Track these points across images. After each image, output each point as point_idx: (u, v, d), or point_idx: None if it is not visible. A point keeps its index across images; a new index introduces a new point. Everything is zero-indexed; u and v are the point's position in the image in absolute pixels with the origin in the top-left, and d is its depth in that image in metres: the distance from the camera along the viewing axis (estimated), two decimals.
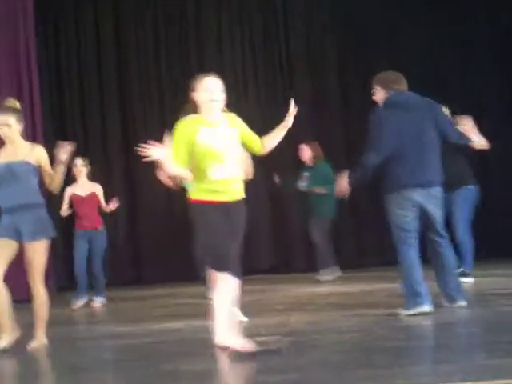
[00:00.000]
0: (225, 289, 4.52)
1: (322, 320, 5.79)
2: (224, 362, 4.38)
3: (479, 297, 6.59)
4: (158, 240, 10.98)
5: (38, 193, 5.40)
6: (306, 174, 9.39)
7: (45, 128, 9.85)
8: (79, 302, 8.19)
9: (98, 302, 8.21)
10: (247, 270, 6.62)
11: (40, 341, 5.23)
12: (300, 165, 9.93)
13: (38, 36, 9.98)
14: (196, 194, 4.66)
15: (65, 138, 10.35)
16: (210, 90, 4.67)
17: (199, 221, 4.64)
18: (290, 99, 4.87)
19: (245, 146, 4.81)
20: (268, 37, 11.60)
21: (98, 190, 8.42)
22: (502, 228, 10.70)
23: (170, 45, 11.46)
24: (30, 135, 9.16)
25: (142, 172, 10.76)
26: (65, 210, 8.27)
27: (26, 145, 5.44)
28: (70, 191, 8.27)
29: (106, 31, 11.37)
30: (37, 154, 5.37)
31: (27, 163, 5.31)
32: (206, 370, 4.17)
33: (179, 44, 11.45)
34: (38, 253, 5.24)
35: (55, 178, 5.39)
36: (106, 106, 11.33)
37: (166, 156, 4.53)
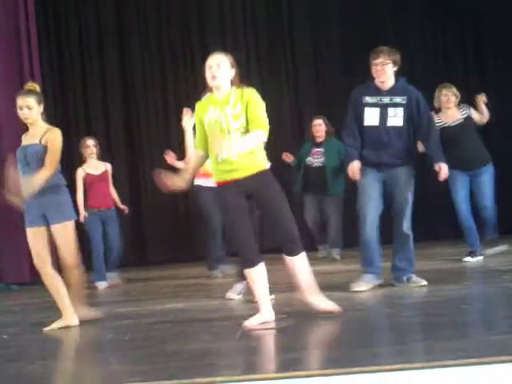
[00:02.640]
0: (256, 277, 4.64)
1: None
2: (229, 341, 4.37)
3: (485, 274, 6.61)
4: (161, 221, 11.01)
5: (56, 174, 5.34)
6: (318, 149, 9.25)
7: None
8: (103, 283, 8.04)
9: (115, 279, 8.21)
10: None
11: (92, 313, 5.50)
12: (300, 142, 9.90)
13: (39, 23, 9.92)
14: (214, 175, 4.70)
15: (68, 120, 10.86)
16: (209, 66, 4.64)
17: (224, 207, 4.69)
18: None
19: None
20: (272, 26, 11.51)
21: (109, 168, 8.47)
22: None
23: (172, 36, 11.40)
24: None
25: (147, 155, 10.87)
26: (81, 193, 8.18)
27: (44, 127, 5.39)
28: (81, 172, 8.25)
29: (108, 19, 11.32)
30: (47, 137, 5.31)
31: (38, 145, 5.29)
32: (210, 348, 4.16)
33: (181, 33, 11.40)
34: (63, 235, 5.27)
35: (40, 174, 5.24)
36: (108, 90, 11.32)
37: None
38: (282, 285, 5.94)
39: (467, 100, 7.96)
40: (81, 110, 11.22)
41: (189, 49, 11.31)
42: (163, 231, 10.99)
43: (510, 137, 10.55)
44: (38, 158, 5.27)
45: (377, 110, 5.87)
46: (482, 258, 7.49)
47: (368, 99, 5.91)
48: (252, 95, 4.65)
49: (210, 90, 4.77)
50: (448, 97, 7.62)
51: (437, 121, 7.34)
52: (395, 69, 5.93)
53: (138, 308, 6.15)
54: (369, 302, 5.47)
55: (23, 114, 5.35)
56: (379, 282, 5.94)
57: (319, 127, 9.30)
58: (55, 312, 5.40)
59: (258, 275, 4.64)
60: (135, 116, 11.28)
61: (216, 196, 5.43)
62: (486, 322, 4.39)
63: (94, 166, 8.37)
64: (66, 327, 5.23)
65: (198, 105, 4.82)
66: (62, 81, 11.17)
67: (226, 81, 4.66)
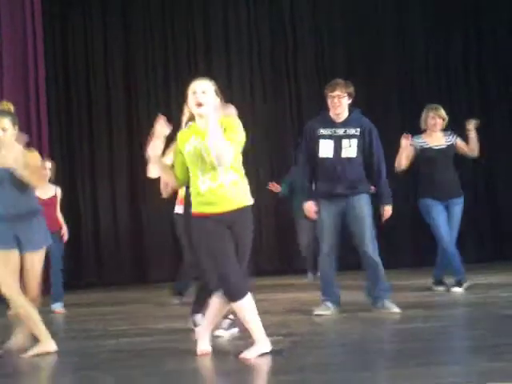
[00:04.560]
0: (249, 306, 4.36)
1: (322, 321, 5.79)
2: (225, 363, 4.38)
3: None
4: (159, 239, 10.99)
5: (33, 198, 5.14)
6: None
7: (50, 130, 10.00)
8: (59, 306, 7.85)
9: (59, 308, 7.84)
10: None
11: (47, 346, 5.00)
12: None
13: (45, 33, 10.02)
14: (193, 207, 4.45)
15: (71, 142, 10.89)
16: (193, 92, 4.41)
17: (200, 240, 4.43)
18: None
19: None
20: (276, 43, 11.61)
21: (58, 192, 8.05)
22: None
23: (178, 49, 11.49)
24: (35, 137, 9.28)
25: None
26: None
27: (18, 149, 5.03)
28: None
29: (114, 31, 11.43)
30: (25, 160, 4.94)
31: (13, 169, 4.90)
32: (206, 369, 4.17)
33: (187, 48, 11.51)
34: (35, 263, 5.05)
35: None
36: (113, 105, 11.38)
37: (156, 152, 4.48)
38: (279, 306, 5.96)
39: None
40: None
41: (194, 63, 11.36)
42: (162, 249, 10.98)
43: None
44: (10, 179, 4.95)
45: (331, 142, 5.99)
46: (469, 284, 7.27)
47: (322, 131, 6.02)
48: (229, 122, 4.42)
49: (192, 119, 4.56)
50: (435, 120, 7.39)
51: (420, 141, 7.34)
52: (350, 101, 6.06)
53: (134, 327, 6.16)
54: (362, 327, 5.49)
55: None
56: (338, 308, 6.09)
57: None
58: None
59: (250, 304, 4.38)
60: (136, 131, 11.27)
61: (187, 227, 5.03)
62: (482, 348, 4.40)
63: (44, 189, 7.70)
64: (45, 353, 4.93)
65: (180, 134, 4.56)
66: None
67: (210, 108, 4.36)
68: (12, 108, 5.29)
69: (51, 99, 10.47)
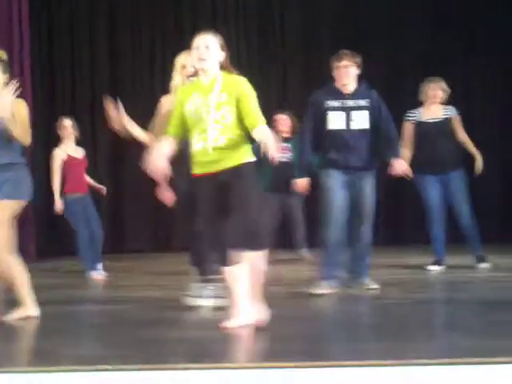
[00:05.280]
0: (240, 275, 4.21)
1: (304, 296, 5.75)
2: (207, 330, 4.34)
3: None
4: (143, 210, 10.94)
5: (14, 151, 4.83)
6: (286, 145, 8.64)
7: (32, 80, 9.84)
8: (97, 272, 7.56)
9: (100, 272, 7.59)
10: None
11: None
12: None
13: None
14: (193, 167, 4.39)
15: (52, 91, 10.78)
16: (196, 47, 4.31)
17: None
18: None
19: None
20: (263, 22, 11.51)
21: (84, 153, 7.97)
22: None
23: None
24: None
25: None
26: (58, 176, 7.56)
27: (8, 98, 4.66)
28: (60, 153, 7.66)
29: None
30: (13, 109, 4.68)
31: (1, 118, 4.68)
32: (187, 337, 4.14)
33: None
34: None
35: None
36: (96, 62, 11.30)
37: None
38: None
39: None
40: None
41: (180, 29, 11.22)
42: (143, 219, 11.01)
43: None
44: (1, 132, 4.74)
45: (341, 114, 5.86)
46: (444, 267, 7.28)
47: (331, 103, 5.88)
48: (244, 87, 4.27)
49: (195, 74, 4.52)
50: (435, 92, 7.35)
51: (415, 115, 7.31)
52: (358, 72, 5.94)
53: (115, 295, 6.13)
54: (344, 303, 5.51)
55: None
56: (339, 287, 5.87)
57: (283, 122, 8.78)
58: None
59: (242, 272, 4.22)
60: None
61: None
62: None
63: (73, 148, 7.80)
64: (27, 317, 4.82)
65: (180, 89, 4.58)
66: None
67: (214, 64, 4.30)
68: (4, 55, 4.98)
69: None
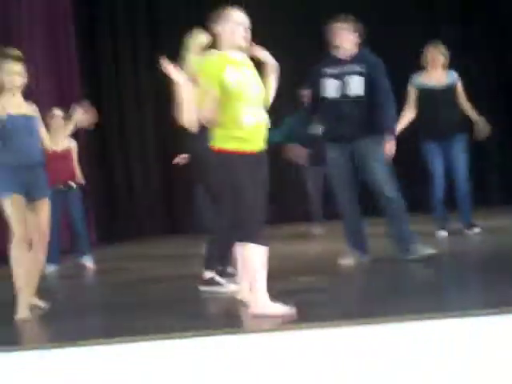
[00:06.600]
0: (258, 257, 4.11)
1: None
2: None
3: None
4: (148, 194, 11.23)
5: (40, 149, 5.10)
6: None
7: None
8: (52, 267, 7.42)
9: (88, 262, 7.60)
10: None
11: None
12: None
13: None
14: (222, 141, 4.14)
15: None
16: (244, 25, 4.22)
17: (226, 177, 4.12)
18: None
19: None
20: None
21: (73, 145, 7.80)
22: None
23: None
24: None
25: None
26: None
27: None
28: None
29: None
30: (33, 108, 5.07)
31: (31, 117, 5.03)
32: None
33: None
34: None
35: None
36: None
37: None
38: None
39: None
40: None
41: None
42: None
43: None
44: (27, 128, 4.98)
45: (336, 81, 5.77)
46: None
47: (327, 70, 5.82)
48: (272, 69, 4.32)
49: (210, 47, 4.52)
50: (433, 56, 7.27)
51: (418, 80, 7.26)
52: (356, 37, 5.85)
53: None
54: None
55: (16, 81, 4.94)
56: (367, 258, 5.91)
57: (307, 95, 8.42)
58: None
59: (260, 254, 4.14)
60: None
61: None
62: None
63: (57, 141, 7.40)
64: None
65: (210, 60, 4.28)
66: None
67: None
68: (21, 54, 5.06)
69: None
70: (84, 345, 3.64)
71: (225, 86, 4.11)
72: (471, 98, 7.39)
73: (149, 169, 11.38)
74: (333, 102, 5.79)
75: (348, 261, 5.88)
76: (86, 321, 4.60)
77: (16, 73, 4.90)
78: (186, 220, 10.85)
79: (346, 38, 5.83)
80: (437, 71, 7.34)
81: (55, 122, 7.43)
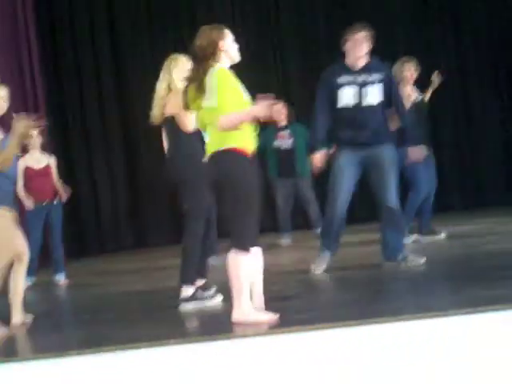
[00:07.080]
0: (250, 262, 4.16)
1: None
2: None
3: None
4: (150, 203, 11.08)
5: None
6: (284, 132, 8.99)
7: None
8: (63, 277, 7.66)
9: (63, 279, 7.66)
10: None
11: None
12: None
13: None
14: (238, 140, 4.23)
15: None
16: (235, 42, 4.46)
17: (246, 181, 4.16)
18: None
19: None
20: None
21: (52, 162, 7.85)
22: None
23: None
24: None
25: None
26: (21, 186, 7.47)
27: None
28: (21, 163, 7.37)
29: None
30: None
31: None
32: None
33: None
34: None
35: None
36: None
37: None
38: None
39: None
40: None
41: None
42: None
43: None
44: None
45: (352, 90, 5.80)
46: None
47: (342, 79, 5.83)
48: None
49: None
50: (412, 72, 7.21)
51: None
52: (370, 46, 5.87)
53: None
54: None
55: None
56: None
57: (281, 110, 8.90)
58: None
59: (252, 259, 4.21)
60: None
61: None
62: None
63: (36, 158, 7.72)
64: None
65: (227, 71, 4.32)
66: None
67: None
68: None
69: None
70: (67, 355, 3.67)
71: (240, 96, 4.28)
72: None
73: (116, 184, 11.30)
74: (349, 110, 5.81)
75: (320, 268, 5.96)
76: (66, 333, 4.67)
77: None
78: (152, 233, 10.89)
79: (363, 47, 5.84)
80: (410, 88, 7.29)
81: (33, 142, 7.54)
